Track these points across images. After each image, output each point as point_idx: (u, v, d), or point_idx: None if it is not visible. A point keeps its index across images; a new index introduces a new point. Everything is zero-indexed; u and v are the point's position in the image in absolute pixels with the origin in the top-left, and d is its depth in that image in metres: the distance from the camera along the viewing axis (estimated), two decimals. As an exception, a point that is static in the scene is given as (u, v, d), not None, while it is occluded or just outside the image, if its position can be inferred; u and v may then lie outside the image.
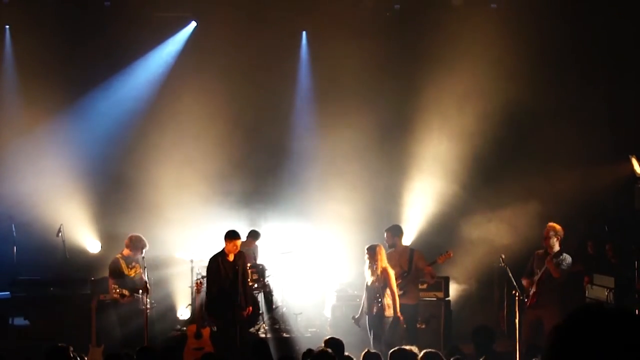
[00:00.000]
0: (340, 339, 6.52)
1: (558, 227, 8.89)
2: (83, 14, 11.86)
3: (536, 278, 8.78)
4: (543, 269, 8.68)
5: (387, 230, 9.51)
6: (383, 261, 8.63)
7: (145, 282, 9.04)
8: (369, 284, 8.72)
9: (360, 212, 11.48)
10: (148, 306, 9.20)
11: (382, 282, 8.56)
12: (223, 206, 11.68)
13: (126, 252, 9.31)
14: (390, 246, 9.41)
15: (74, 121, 11.72)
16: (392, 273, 8.66)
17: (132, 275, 9.23)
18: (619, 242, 10.35)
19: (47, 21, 11.49)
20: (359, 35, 11.60)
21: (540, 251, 8.96)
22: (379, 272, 8.57)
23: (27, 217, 11.15)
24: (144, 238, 9.37)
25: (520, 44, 11.24)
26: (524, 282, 9.03)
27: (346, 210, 11.45)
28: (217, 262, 8.71)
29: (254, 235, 11.00)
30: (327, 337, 6.62)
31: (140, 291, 9.03)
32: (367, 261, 8.67)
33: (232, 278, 8.72)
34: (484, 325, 6.52)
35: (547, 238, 8.82)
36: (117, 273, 9.18)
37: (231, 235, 8.83)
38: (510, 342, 8.92)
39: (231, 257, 8.77)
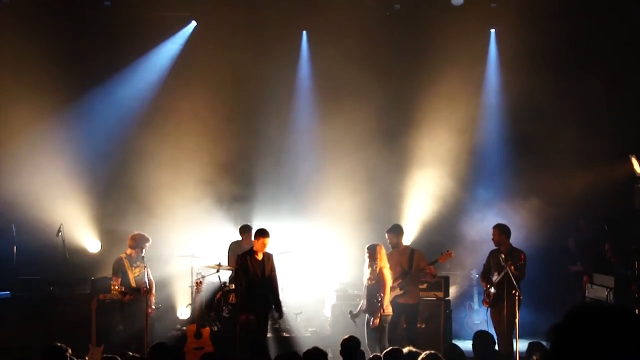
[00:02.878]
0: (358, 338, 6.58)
1: (502, 224, 9.34)
2: (83, 13, 11.86)
3: (495, 280, 9.04)
4: (502, 273, 8.80)
5: (389, 232, 9.54)
6: (383, 261, 8.65)
7: (147, 282, 9.04)
8: (366, 283, 8.75)
9: (359, 211, 11.48)
10: (153, 307, 9.22)
11: (378, 281, 8.59)
12: (222, 206, 11.68)
13: (129, 251, 9.31)
14: (393, 247, 9.45)
15: (74, 121, 11.72)
16: (387, 274, 8.68)
17: (137, 274, 9.24)
18: (619, 242, 10.36)
19: (46, 21, 11.48)
20: (358, 35, 11.60)
21: (495, 249, 9.32)
22: (377, 271, 8.59)
23: (26, 216, 11.14)
24: (145, 235, 9.38)
25: (520, 44, 11.24)
26: (483, 283, 9.43)
27: (345, 209, 11.45)
28: (246, 260, 8.81)
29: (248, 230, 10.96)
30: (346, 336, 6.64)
31: (143, 290, 9.03)
32: (367, 260, 8.69)
33: (260, 277, 8.84)
34: (484, 330, 6.55)
35: (493, 237, 9.30)
36: (120, 272, 9.18)
37: (260, 234, 8.99)
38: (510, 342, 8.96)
39: (260, 256, 8.88)
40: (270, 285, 9.01)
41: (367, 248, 8.74)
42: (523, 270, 8.95)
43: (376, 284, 8.59)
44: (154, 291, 9.35)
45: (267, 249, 9.13)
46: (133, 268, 9.22)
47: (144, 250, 9.19)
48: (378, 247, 8.70)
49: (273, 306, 9.15)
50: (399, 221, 10.67)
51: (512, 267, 8.75)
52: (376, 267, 8.59)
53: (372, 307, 8.63)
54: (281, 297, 10.68)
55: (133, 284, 9.12)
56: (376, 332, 8.57)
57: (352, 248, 10.21)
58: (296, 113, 12.23)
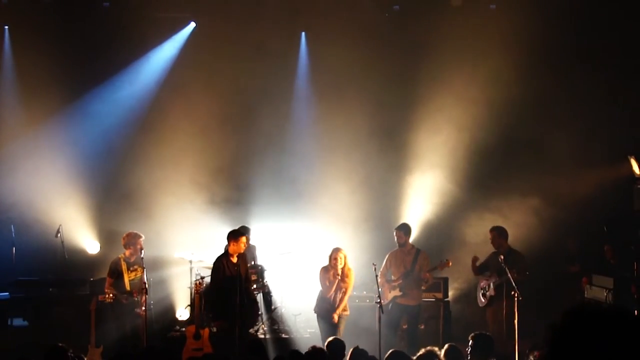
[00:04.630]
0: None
1: (499, 227, 9.56)
2: (82, 14, 11.84)
3: (495, 282, 9.11)
4: (503, 278, 8.81)
5: (399, 229, 9.56)
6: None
7: (143, 285, 8.97)
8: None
9: (359, 211, 11.48)
10: (143, 307, 9.16)
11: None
12: (221, 206, 11.67)
13: (127, 252, 9.28)
14: (400, 245, 9.49)
15: (73, 121, 11.71)
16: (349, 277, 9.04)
17: (132, 277, 9.21)
18: (618, 243, 10.37)
19: (46, 22, 11.47)
20: (358, 36, 11.60)
21: (495, 251, 9.45)
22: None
23: (26, 217, 11.13)
24: (137, 232, 9.35)
25: (519, 45, 11.24)
26: (482, 282, 9.51)
27: (345, 209, 11.45)
28: (222, 264, 8.75)
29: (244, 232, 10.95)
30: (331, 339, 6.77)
31: (136, 294, 9.03)
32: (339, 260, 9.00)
33: (237, 279, 8.77)
34: (482, 333, 6.54)
35: (491, 240, 9.47)
36: (116, 273, 9.16)
37: (234, 235, 8.85)
38: (509, 343, 8.96)
39: (235, 259, 8.81)
40: (247, 286, 9.02)
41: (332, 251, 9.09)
42: (525, 275, 9.00)
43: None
44: (145, 294, 9.25)
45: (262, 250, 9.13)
46: (129, 271, 9.19)
47: (142, 250, 9.06)
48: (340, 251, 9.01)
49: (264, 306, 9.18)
50: (399, 221, 10.68)
51: (515, 274, 8.77)
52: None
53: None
54: (277, 298, 10.74)
55: (127, 287, 9.11)
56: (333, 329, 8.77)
57: (352, 248, 10.18)
58: (295, 113, 12.21)
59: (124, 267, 9.17)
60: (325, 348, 6.59)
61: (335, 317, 8.86)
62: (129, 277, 9.18)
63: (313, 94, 12.04)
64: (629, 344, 1.67)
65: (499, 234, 9.41)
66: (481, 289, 9.52)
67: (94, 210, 11.69)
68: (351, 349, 6.33)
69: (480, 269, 9.57)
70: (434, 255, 9.89)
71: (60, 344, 5.88)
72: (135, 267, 9.22)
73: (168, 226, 11.10)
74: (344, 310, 8.99)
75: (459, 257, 10.62)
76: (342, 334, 8.54)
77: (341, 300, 8.92)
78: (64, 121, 11.66)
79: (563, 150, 11.46)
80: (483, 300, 9.41)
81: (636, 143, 10.87)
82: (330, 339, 6.87)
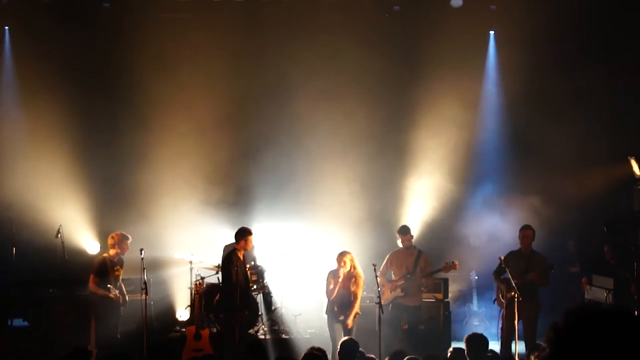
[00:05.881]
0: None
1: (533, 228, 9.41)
2: (82, 15, 11.85)
3: (514, 283, 8.92)
4: (527, 277, 8.81)
5: (406, 233, 9.56)
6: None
7: (124, 294, 9.30)
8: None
9: (359, 211, 11.47)
10: (122, 307, 9.28)
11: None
12: (220, 207, 11.67)
13: (112, 252, 9.28)
14: (407, 248, 9.48)
15: (73, 122, 11.70)
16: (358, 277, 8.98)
17: (113, 278, 9.25)
18: (618, 243, 10.37)
19: (46, 22, 11.48)
20: (358, 37, 11.60)
21: (516, 250, 9.28)
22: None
23: (26, 217, 11.13)
24: (125, 233, 9.37)
25: (519, 45, 11.25)
26: (501, 286, 9.28)
27: (345, 209, 11.45)
28: (232, 262, 8.79)
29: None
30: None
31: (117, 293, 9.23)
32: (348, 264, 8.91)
33: (245, 277, 8.98)
34: (476, 333, 6.56)
35: (528, 238, 9.24)
36: (101, 271, 9.15)
37: (242, 234, 8.95)
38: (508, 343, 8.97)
39: (241, 256, 8.91)
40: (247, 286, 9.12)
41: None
42: (547, 277, 9.01)
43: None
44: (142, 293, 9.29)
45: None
46: (113, 271, 9.22)
47: (142, 251, 8.90)
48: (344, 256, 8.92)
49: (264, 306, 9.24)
50: (399, 221, 10.68)
51: (536, 276, 8.80)
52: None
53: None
54: (278, 298, 10.76)
55: (112, 286, 9.18)
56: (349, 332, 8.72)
57: (352, 249, 10.18)
58: (294, 115, 12.21)
59: (109, 266, 9.19)
60: (339, 348, 6.61)
61: (349, 322, 8.80)
62: (115, 274, 9.23)
63: (312, 94, 12.02)
64: (630, 344, 1.67)
65: (534, 233, 9.31)
66: (500, 290, 9.42)
67: (94, 210, 11.69)
68: (339, 342, 6.43)
69: (499, 273, 9.44)
70: (434, 256, 9.89)
71: (82, 346, 5.93)
72: (117, 267, 9.26)
73: (168, 227, 11.10)
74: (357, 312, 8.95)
75: (459, 258, 10.64)
76: (354, 334, 8.60)
77: (352, 305, 8.84)
78: (64, 121, 11.65)
79: (563, 150, 11.46)
80: (503, 301, 9.31)
81: (636, 143, 10.88)
82: (345, 339, 6.85)
